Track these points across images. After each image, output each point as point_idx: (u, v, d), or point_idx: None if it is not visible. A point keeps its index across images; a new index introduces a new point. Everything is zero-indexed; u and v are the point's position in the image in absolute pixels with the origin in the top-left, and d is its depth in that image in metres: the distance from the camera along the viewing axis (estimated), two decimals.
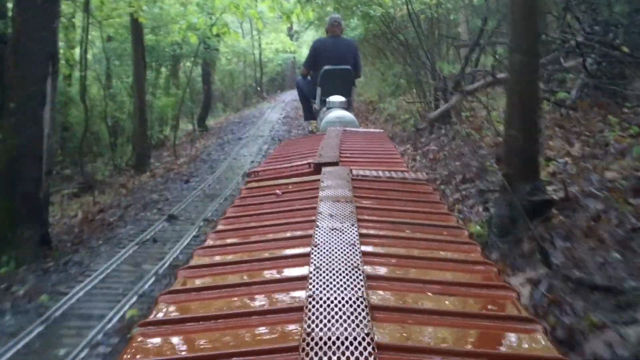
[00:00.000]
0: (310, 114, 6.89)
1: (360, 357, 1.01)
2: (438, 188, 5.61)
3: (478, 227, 4.14)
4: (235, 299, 1.38)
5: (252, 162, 10.42)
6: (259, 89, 27.77)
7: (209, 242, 1.80)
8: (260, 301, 1.37)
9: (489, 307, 1.33)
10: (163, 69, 16.45)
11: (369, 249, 1.55)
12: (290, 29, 27.47)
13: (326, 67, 6.23)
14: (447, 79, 8.87)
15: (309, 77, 6.77)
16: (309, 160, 2.66)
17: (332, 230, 1.62)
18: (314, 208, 1.85)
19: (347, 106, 5.98)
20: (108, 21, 12.46)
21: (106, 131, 12.80)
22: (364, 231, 1.65)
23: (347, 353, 1.02)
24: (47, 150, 6.10)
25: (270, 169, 2.78)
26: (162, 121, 16.50)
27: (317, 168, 2.51)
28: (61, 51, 13.65)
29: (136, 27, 11.40)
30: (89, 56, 14.60)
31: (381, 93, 15.17)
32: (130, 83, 13.61)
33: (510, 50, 3.93)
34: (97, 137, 14.81)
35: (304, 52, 18.01)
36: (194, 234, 6.23)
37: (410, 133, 9.15)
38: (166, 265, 5.29)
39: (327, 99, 5.95)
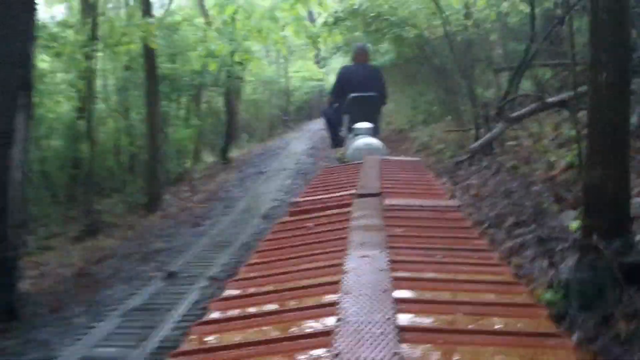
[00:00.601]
0: (337, 142, 6.86)
1: None
2: (485, 232, 4.72)
3: (548, 295, 3.23)
4: (266, 327, 1.39)
5: (274, 200, 9.40)
6: (285, 118, 27.06)
7: (241, 275, 1.82)
8: (290, 328, 1.36)
9: (519, 325, 1.32)
10: (183, 99, 15.53)
11: (399, 274, 1.55)
12: (317, 55, 26.70)
13: (353, 94, 6.24)
14: (488, 106, 7.88)
15: (335, 105, 6.81)
16: (351, 192, 2.62)
17: (362, 257, 1.64)
18: (345, 237, 1.87)
19: (374, 133, 5.95)
20: (122, 49, 11.63)
21: (119, 167, 11.95)
22: (395, 257, 1.67)
23: None
24: (17, 199, 5.09)
25: (311, 199, 2.74)
26: (181, 154, 15.51)
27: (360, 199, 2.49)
28: (71, 82, 12.92)
29: (149, 55, 10.48)
30: (107, 87, 13.87)
31: (412, 121, 14.35)
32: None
33: (591, 67, 3.06)
34: (112, 173, 13.98)
35: (331, 80, 17.26)
36: (194, 298, 5.07)
37: (446, 165, 8.32)
38: (150, 348, 4.06)
39: (354, 126, 5.90)
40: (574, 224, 3.46)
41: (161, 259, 6.62)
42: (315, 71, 25.70)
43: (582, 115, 6.98)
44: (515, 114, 7.17)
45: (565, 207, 4.51)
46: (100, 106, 12.86)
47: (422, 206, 2.34)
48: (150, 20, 9.12)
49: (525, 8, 8.72)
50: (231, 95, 16.41)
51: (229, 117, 16.47)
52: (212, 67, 11.57)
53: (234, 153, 18.23)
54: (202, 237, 7.43)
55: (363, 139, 5.57)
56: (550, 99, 6.60)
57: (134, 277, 6.06)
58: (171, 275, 5.79)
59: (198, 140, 16.03)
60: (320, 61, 24.48)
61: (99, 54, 10.74)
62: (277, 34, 11.14)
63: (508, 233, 4.64)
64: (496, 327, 1.30)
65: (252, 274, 1.81)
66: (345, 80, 6.60)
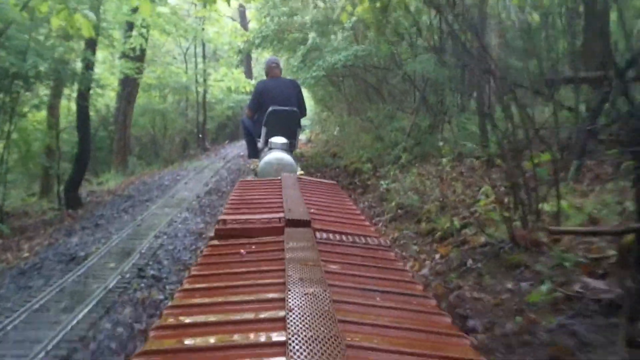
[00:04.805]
0: (254, 153, 6.67)
1: None
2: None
3: None
4: None
5: None
6: (200, 136, 21.39)
7: (177, 302, 1.71)
8: None
9: None
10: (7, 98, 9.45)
11: (343, 317, 1.54)
12: (247, 61, 21.05)
13: (272, 107, 6.14)
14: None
15: (255, 116, 6.64)
16: (279, 215, 2.55)
17: (305, 295, 1.60)
18: (282, 270, 1.84)
19: (290, 148, 5.98)
20: None
21: None
22: (336, 297, 1.66)
23: None
24: None
25: (239, 219, 2.58)
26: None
27: (289, 224, 2.43)
28: None
29: None
30: None
31: (375, 157, 9.10)
32: None
33: None
34: None
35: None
36: None
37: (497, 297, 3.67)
38: None
39: (270, 140, 5.90)
40: None
41: None
42: (243, 81, 20.16)
43: None
44: None
45: None
46: None
47: (355, 242, 2.33)
48: None
49: None
50: (86, 99, 10.40)
51: (83, 134, 10.43)
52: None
53: (108, 183, 12.66)
54: None
55: (275, 154, 5.64)
56: None
57: None
58: None
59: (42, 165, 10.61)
60: (239, 52, 18.60)
61: None
62: None
63: None
64: None
65: (188, 302, 1.70)
66: (262, 94, 6.39)
